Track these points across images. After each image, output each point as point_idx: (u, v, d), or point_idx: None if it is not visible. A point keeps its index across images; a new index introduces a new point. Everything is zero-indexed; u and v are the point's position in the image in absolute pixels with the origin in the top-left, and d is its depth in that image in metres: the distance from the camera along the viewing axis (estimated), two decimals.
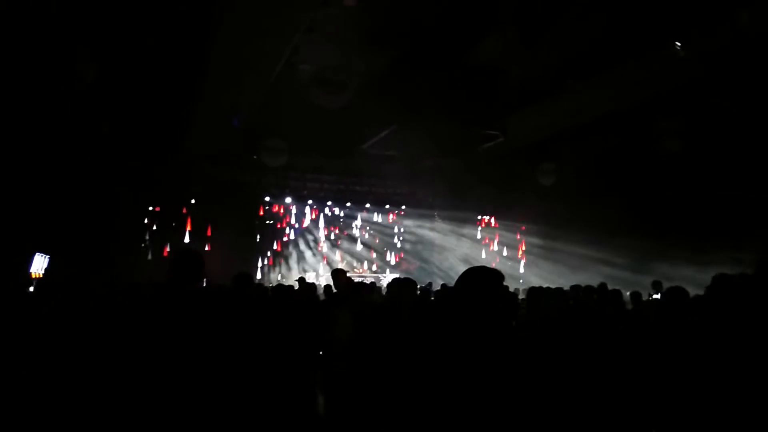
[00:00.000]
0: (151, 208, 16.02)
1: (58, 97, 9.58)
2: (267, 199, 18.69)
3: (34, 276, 10.55)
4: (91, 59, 9.10)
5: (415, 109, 11.56)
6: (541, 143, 13.26)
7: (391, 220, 20.45)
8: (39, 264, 11.33)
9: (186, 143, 13.85)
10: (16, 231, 10.21)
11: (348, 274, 6.78)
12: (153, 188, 14.74)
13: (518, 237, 18.26)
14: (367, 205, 19.75)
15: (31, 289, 6.28)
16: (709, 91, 9.39)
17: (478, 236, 19.07)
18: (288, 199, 18.86)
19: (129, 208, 14.18)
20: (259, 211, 18.55)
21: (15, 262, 10.08)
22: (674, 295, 3.50)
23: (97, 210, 12.61)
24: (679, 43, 8.14)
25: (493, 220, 18.87)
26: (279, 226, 19.36)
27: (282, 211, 19.19)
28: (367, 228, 20.62)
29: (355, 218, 20.15)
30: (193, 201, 16.58)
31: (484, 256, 18.73)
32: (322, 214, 19.64)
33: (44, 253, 11.53)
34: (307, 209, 19.35)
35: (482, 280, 2.45)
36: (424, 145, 13.85)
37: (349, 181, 18.39)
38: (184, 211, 16.47)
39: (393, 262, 20.43)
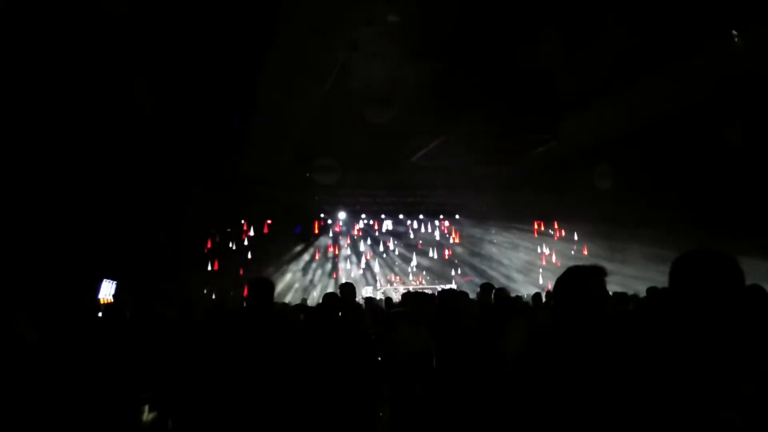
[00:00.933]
0: (212, 230, 16.51)
1: (121, 127, 10.04)
2: (322, 215, 19.02)
3: (102, 302, 11.00)
4: (149, 91, 9.55)
5: (464, 118, 11.54)
6: (595, 146, 12.97)
7: (445, 231, 20.38)
8: (107, 290, 11.78)
9: (242, 166, 14.23)
10: (83, 258, 10.68)
11: (407, 287, 6.84)
12: (213, 212, 15.16)
13: (575, 240, 17.78)
14: (420, 217, 19.78)
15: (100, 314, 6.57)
16: None
17: (534, 243, 18.72)
18: (342, 215, 19.12)
19: (191, 231, 14.63)
20: (314, 229, 18.88)
21: (83, 289, 10.53)
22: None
23: (160, 235, 13.06)
24: (736, 32, 7.84)
25: (547, 226, 18.49)
26: (331, 246, 19.61)
27: (337, 226, 19.46)
28: (421, 240, 20.61)
29: (409, 231, 20.18)
30: (250, 222, 17.05)
31: (543, 263, 18.37)
32: (375, 228, 19.79)
33: (111, 279, 12.02)
34: (361, 223, 19.53)
35: (585, 280, 2.31)
36: (475, 154, 13.79)
37: (401, 193, 18.47)
38: (245, 229, 16.95)
39: (452, 273, 20.33)
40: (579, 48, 9.06)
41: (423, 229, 20.16)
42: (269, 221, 17.53)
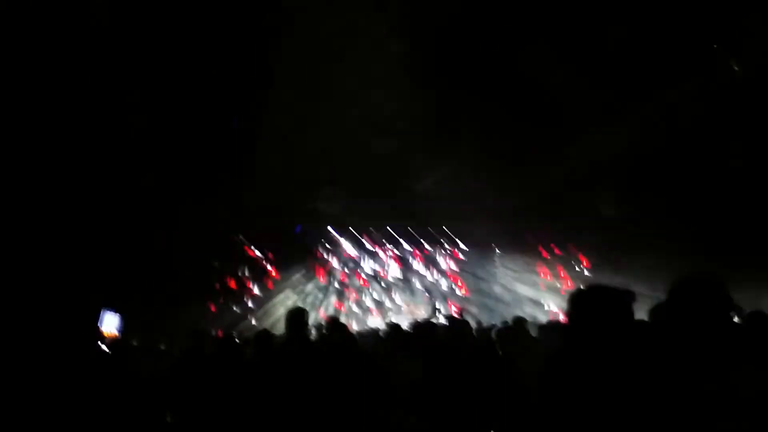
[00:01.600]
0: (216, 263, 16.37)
1: (121, 152, 10.01)
2: (327, 245, 18.92)
3: (106, 335, 10.78)
4: (145, 110, 9.51)
5: (468, 147, 11.55)
6: (598, 171, 12.93)
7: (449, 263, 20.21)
8: (110, 322, 11.54)
9: (245, 196, 14.18)
10: (83, 288, 10.53)
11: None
12: (216, 241, 15.04)
13: (583, 267, 17.56)
14: (427, 248, 19.66)
15: (104, 347, 6.41)
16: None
17: (540, 271, 18.52)
18: (346, 244, 19.03)
19: (192, 262, 14.49)
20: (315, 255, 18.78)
21: (85, 319, 10.36)
22: None
23: (161, 265, 12.92)
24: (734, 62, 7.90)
25: (551, 252, 18.31)
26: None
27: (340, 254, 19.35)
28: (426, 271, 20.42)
29: (412, 260, 20.02)
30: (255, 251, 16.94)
31: (543, 289, 18.05)
32: (379, 256, 19.65)
33: (113, 311, 11.82)
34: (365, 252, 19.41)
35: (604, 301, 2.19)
36: (479, 184, 13.77)
37: (405, 224, 18.36)
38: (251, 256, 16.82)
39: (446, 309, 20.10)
40: (583, 72, 9.09)
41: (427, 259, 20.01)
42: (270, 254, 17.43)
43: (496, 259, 19.76)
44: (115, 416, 4.33)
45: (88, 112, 8.70)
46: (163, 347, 7.75)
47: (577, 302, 2.26)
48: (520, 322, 6.45)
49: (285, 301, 17.80)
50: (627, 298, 2.22)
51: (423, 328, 5.66)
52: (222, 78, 8.99)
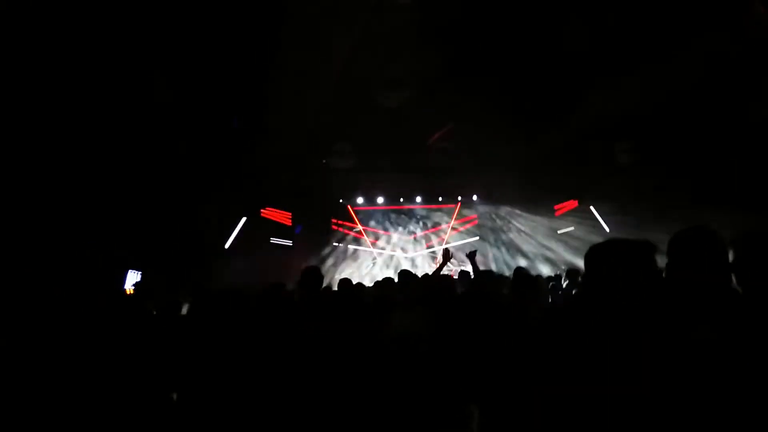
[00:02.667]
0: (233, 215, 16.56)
1: (137, 117, 10.16)
2: (341, 200, 19.15)
3: (128, 293, 11.13)
4: (164, 81, 9.63)
5: (479, 100, 11.47)
6: (614, 122, 12.78)
7: (459, 212, 20.33)
8: (133, 280, 11.93)
9: (258, 151, 14.30)
10: (108, 249, 10.80)
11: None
12: (230, 196, 15.21)
13: (596, 219, 17.51)
14: (440, 199, 19.79)
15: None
16: None
17: (555, 224, 18.53)
18: (360, 200, 19.21)
19: (211, 216, 14.71)
20: (331, 217, 19.09)
21: (110, 280, 10.70)
22: None
23: (180, 221, 13.19)
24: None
25: (567, 206, 18.25)
26: (349, 229, 19.67)
27: (353, 211, 19.55)
28: (441, 223, 20.58)
29: (425, 214, 20.17)
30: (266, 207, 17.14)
31: (557, 245, 18.12)
32: (391, 212, 19.82)
33: (137, 270, 12.19)
34: (379, 207, 19.59)
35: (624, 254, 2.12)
36: (490, 136, 13.71)
37: (417, 176, 18.43)
38: (264, 214, 17.04)
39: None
40: (597, 24, 8.91)
41: (440, 212, 20.15)
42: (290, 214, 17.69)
43: (510, 211, 19.85)
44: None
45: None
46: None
47: (595, 257, 2.21)
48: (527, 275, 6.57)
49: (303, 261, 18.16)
50: (648, 249, 2.15)
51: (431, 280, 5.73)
52: (225, 34, 8.97)
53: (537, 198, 18.13)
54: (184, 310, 6.61)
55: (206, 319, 5.24)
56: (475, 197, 19.93)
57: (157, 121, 10.66)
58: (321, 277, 4.94)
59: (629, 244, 2.17)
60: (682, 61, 9.50)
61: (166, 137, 11.32)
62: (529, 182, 17.05)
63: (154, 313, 6.72)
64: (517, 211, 19.69)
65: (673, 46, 9.12)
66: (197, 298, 5.93)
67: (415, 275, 5.89)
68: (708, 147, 11.44)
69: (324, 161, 15.81)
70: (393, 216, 19.96)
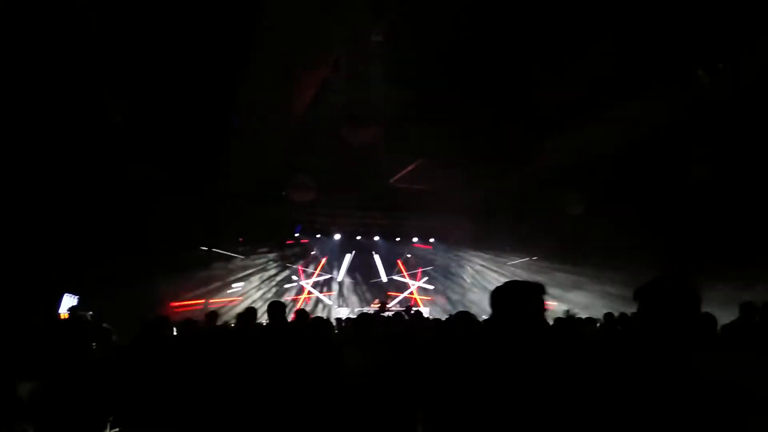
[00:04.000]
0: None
1: (88, 139, 9.88)
2: (296, 235, 18.91)
3: (62, 317, 10.61)
4: (120, 98, 9.41)
5: (440, 144, 11.63)
6: (565, 172, 13.13)
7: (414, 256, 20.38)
8: (68, 304, 11.36)
9: (218, 183, 14.05)
10: (44, 272, 10.35)
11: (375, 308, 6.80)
12: (186, 226, 14.80)
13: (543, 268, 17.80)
14: (397, 239, 19.79)
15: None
16: (735, 116, 9.25)
17: (504, 270, 18.75)
18: (317, 235, 19.05)
19: (162, 246, 14.27)
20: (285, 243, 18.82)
21: (44, 303, 10.18)
22: None
23: (127, 248, 12.72)
24: (701, 70, 8.09)
25: (518, 252, 18.55)
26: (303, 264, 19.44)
27: (311, 247, 19.34)
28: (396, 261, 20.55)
29: (382, 252, 20.11)
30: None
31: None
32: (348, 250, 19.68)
33: (73, 294, 11.63)
34: (335, 244, 19.43)
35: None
36: (450, 178, 13.88)
37: (377, 215, 18.47)
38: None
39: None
40: (557, 74, 9.20)
41: (398, 251, 20.15)
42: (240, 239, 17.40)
43: (464, 254, 20.01)
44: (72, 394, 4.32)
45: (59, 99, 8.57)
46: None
47: (494, 296, 2.49)
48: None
49: (249, 287, 17.75)
50: (538, 291, 2.43)
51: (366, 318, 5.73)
52: (192, 61, 8.88)
53: (492, 244, 18.40)
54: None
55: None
56: (431, 240, 20.03)
57: (109, 144, 10.37)
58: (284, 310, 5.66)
59: (524, 285, 2.48)
60: (628, 115, 9.91)
61: (119, 162, 11.00)
62: (484, 227, 17.28)
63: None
64: (471, 256, 19.90)
65: (625, 98, 9.51)
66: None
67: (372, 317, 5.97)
68: (652, 201, 11.88)
69: (283, 193, 15.64)
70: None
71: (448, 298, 19.58)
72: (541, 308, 2.42)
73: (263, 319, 8.24)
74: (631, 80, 8.91)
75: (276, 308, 5.69)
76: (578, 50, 8.53)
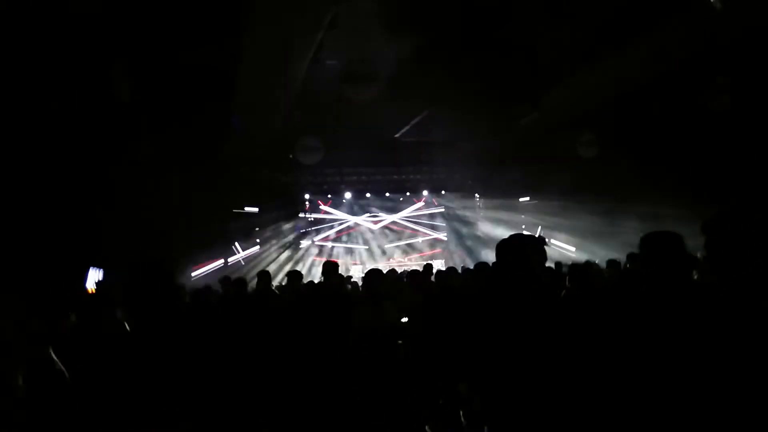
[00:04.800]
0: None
1: (98, 113, 9.89)
2: (307, 196, 19.06)
3: (90, 291, 10.85)
4: (125, 73, 9.38)
5: (445, 94, 11.52)
6: (578, 117, 12.98)
7: (428, 206, 20.42)
8: (94, 278, 11.63)
9: (225, 148, 14.08)
10: (69, 247, 10.54)
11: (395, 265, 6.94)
12: (196, 193, 14.90)
13: (564, 213, 17.74)
14: (407, 194, 19.83)
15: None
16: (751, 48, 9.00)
17: (520, 218, 18.72)
18: (327, 195, 19.16)
19: (176, 213, 14.41)
20: (302, 209, 19.04)
21: (70, 278, 10.41)
22: None
23: (146, 218, 12.86)
24: None
25: (533, 200, 18.45)
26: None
27: (322, 207, 19.48)
28: (409, 217, 20.64)
29: (395, 208, 20.18)
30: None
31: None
32: (361, 207, 19.79)
33: (98, 267, 11.86)
34: (346, 202, 19.53)
35: (520, 246, 2.57)
36: (457, 128, 13.80)
37: (385, 170, 18.48)
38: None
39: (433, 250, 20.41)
40: (560, 16, 9.00)
41: (408, 206, 20.21)
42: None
43: (476, 203, 20.04)
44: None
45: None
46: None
47: (499, 248, 2.68)
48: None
49: (271, 257, 18.06)
50: (539, 243, 2.64)
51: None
52: (188, 28, 8.77)
53: (503, 191, 18.35)
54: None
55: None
56: (443, 191, 20.05)
57: (117, 118, 10.38)
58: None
59: (525, 239, 2.70)
60: (640, 54, 9.70)
61: (126, 134, 11.02)
62: (495, 176, 17.23)
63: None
64: (482, 203, 19.91)
65: (631, 38, 9.30)
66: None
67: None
68: (667, 139, 11.69)
69: (291, 156, 15.66)
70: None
71: (466, 249, 19.70)
72: (542, 260, 2.59)
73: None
74: (641, 14, 8.66)
75: (330, 267, 6.05)
76: None
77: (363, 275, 5.76)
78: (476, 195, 19.96)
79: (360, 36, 9.74)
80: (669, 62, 9.76)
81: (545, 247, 2.66)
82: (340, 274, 7.09)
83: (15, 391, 3.50)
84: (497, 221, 18.99)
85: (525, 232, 2.92)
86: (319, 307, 5.03)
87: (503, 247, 2.66)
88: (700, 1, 7.88)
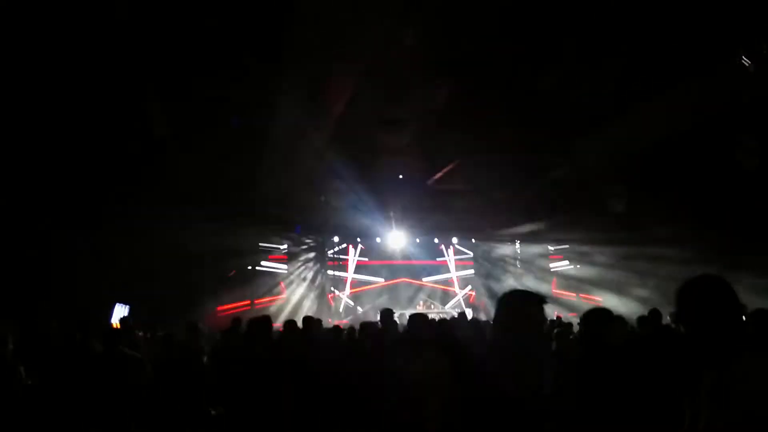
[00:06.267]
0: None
1: (135, 150, 10.15)
2: (336, 239, 19.11)
3: (114, 326, 10.91)
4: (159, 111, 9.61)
5: (478, 142, 11.54)
6: (607, 168, 12.81)
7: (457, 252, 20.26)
8: (120, 314, 11.73)
9: (257, 189, 14.22)
10: (97, 283, 10.72)
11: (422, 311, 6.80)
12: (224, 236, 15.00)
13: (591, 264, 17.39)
14: (435, 240, 19.73)
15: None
16: None
17: (548, 268, 18.43)
18: (357, 239, 19.19)
19: (202, 257, 14.54)
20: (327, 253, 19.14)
21: (96, 313, 10.53)
22: None
23: (174, 260, 13.01)
24: (745, 57, 7.76)
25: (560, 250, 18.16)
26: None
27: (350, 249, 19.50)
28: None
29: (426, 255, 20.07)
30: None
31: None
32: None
33: (124, 303, 12.00)
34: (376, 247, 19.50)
35: (521, 302, 2.57)
36: (489, 177, 13.74)
37: (417, 216, 18.46)
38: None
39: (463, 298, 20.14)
40: (592, 69, 8.99)
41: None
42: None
43: (505, 252, 19.81)
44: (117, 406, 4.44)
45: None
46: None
47: (499, 302, 2.68)
48: None
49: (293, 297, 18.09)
50: (540, 300, 2.58)
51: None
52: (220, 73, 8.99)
53: (532, 241, 18.13)
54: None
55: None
56: (473, 240, 19.91)
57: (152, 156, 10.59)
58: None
59: (523, 294, 2.69)
60: (674, 105, 9.58)
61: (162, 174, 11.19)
62: (527, 221, 17.05)
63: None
64: (514, 251, 19.67)
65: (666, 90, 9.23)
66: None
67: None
68: (698, 192, 11.45)
69: (323, 198, 15.79)
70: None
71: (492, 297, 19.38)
72: (540, 318, 2.58)
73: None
74: (670, 70, 8.63)
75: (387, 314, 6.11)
76: (615, 40, 8.32)
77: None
78: (507, 242, 19.74)
79: (394, 84, 9.87)
80: (697, 117, 9.61)
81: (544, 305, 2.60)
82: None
83: None
84: (525, 271, 18.72)
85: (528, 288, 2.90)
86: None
87: (502, 302, 2.65)
88: (731, 60, 7.84)
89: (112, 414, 4.40)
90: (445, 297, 20.25)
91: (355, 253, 19.62)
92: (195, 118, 10.22)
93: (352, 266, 19.62)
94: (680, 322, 2.43)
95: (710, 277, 2.29)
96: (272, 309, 16.29)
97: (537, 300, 2.59)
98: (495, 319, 2.65)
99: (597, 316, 3.44)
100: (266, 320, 5.09)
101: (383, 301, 18.86)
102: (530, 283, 18.06)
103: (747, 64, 7.72)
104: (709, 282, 2.27)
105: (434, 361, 4.32)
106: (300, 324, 6.28)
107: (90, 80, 8.37)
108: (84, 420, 4.38)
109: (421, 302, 19.16)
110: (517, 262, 19.77)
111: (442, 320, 7.69)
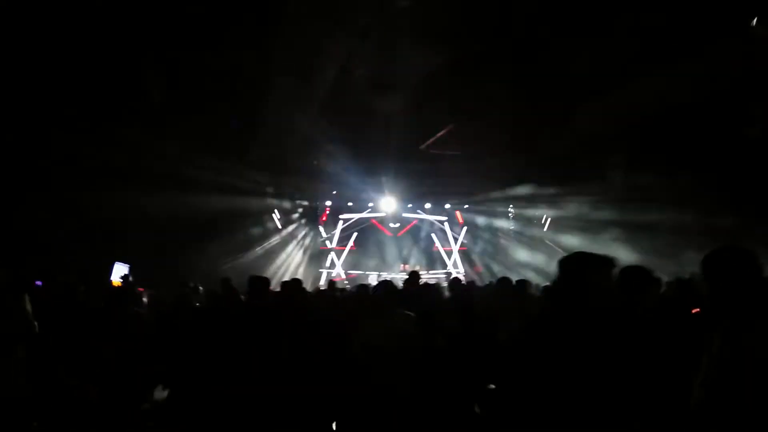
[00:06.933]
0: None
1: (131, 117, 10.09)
2: (328, 203, 19.14)
3: (114, 285, 11.01)
4: (156, 75, 9.53)
5: (475, 107, 11.48)
6: (607, 136, 12.77)
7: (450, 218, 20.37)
8: (120, 273, 11.78)
9: (251, 152, 14.15)
10: (96, 242, 10.77)
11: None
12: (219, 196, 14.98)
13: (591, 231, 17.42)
14: (427, 206, 19.79)
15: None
16: None
17: (544, 235, 18.48)
18: (350, 203, 19.20)
19: (199, 216, 14.52)
20: (322, 216, 19.11)
21: (96, 272, 10.59)
22: None
23: (172, 217, 12.99)
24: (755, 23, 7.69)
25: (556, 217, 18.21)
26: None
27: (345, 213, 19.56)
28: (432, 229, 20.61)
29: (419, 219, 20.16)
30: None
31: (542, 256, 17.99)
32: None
33: (123, 263, 12.05)
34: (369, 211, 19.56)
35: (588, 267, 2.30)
36: (485, 142, 13.71)
37: (410, 182, 18.46)
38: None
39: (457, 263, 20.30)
40: (594, 35, 8.89)
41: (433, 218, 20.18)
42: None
43: (502, 219, 19.90)
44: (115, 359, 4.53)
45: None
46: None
47: (562, 266, 2.38)
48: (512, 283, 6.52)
49: (289, 257, 18.18)
50: (608, 264, 2.32)
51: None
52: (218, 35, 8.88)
53: (528, 207, 18.19)
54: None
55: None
56: (466, 206, 19.97)
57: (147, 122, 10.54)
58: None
59: (593, 258, 2.40)
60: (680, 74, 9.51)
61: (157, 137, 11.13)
62: (520, 192, 17.07)
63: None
64: (507, 220, 19.76)
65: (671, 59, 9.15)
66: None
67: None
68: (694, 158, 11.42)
69: (315, 162, 15.75)
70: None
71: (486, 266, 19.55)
72: (610, 283, 2.33)
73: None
74: (680, 37, 8.51)
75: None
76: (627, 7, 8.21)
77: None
78: (499, 209, 19.80)
79: (390, 47, 9.77)
80: (703, 88, 9.56)
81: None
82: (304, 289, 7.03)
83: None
84: (519, 238, 18.83)
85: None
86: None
87: (563, 265, 2.38)
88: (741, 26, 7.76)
89: (121, 369, 4.51)
90: (432, 261, 20.46)
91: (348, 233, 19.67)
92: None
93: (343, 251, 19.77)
94: (707, 283, 2.37)
95: (737, 247, 2.35)
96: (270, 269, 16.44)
97: (601, 263, 2.32)
98: (561, 285, 2.37)
99: (635, 277, 2.99)
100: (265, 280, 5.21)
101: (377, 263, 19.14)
102: (523, 255, 18.18)
103: (758, 30, 7.61)
104: (736, 251, 2.33)
105: (399, 327, 4.29)
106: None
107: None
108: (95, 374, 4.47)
109: (406, 265, 19.22)
110: (511, 228, 19.88)
111: (426, 284, 7.65)
